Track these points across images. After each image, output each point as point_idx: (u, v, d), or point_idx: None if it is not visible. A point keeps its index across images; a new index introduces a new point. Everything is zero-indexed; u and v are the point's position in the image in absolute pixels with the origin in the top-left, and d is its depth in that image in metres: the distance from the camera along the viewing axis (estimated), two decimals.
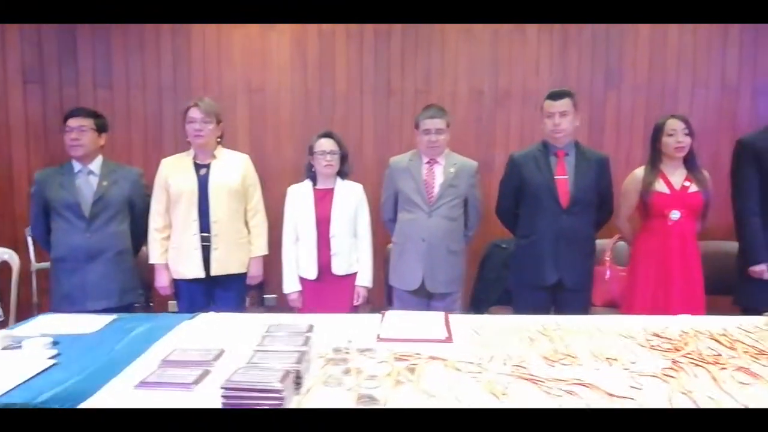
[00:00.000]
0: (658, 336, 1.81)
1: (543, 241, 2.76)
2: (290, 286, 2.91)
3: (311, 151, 2.88)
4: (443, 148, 2.82)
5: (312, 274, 2.86)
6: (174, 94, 3.82)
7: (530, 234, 2.81)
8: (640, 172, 2.83)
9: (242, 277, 2.86)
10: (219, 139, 2.89)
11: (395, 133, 4.00)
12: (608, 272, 3.33)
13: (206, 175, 2.77)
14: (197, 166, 2.81)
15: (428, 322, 1.97)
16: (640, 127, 3.91)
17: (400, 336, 1.81)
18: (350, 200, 2.89)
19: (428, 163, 2.85)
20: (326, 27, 3.90)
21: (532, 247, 2.79)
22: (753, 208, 2.71)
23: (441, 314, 2.08)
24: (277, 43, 3.89)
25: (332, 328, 1.88)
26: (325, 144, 2.85)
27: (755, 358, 1.61)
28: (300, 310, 2.90)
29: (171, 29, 3.82)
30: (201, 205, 2.74)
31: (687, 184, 2.74)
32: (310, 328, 1.70)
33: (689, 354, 1.63)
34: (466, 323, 1.96)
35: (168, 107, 3.84)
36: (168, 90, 3.83)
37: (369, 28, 3.92)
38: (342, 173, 2.94)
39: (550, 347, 1.71)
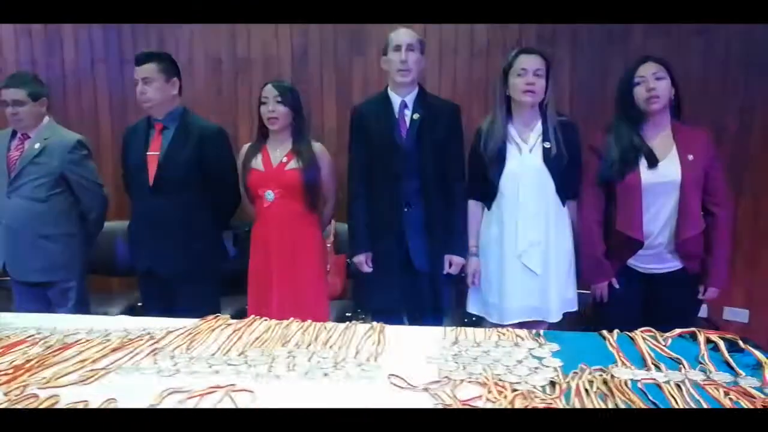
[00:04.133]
0: None
1: (135, 224, 2.45)
2: None
3: None
4: (27, 121, 2.50)
5: None
6: None
7: (130, 216, 2.50)
8: (246, 147, 2.45)
9: None
10: None
11: (131, 101, 3.69)
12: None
13: None
14: None
15: None
16: None
17: None
18: None
19: (20, 137, 2.55)
20: None
21: (129, 232, 2.49)
22: (357, 189, 2.29)
23: None
24: None
25: None
26: None
27: None
28: None
29: None
30: None
31: (285, 160, 2.35)
32: None
33: None
34: None
35: None
36: None
37: None
38: None
39: None
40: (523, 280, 2.14)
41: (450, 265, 2.24)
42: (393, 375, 1.26)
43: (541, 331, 1.55)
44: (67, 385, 1.22)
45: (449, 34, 3.33)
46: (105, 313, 2.80)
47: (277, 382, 1.26)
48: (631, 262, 2.13)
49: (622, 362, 1.33)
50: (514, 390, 1.18)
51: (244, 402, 1.15)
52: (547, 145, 2.11)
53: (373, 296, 2.31)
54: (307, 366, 1.33)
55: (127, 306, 2.95)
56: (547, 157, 2.11)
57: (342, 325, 1.62)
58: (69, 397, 1.16)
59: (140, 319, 1.75)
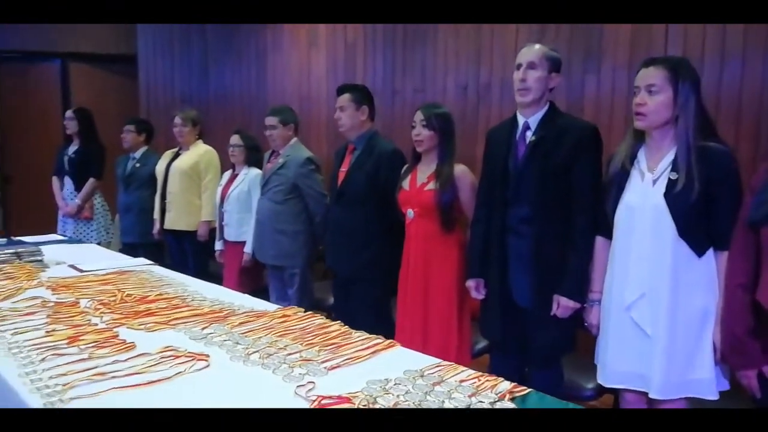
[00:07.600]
0: None
1: (328, 227, 2.97)
2: (216, 245, 3.85)
3: None
4: (278, 141, 3.26)
5: (220, 237, 3.76)
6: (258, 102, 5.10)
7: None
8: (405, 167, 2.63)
9: (194, 234, 3.98)
10: (197, 136, 4.06)
11: (397, 131, 4.23)
12: None
13: (172, 161, 4.00)
14: (176, 156, 4.06)
15: None
16: (621, 110, 3.08)
17: None
18: (245, 183, 3.62)
19: (275, 154, 3.34)
20: (350, 37, 4.48)
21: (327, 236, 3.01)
22: (477, 214, 2.21)
23: None
24: (316, 57, 4.71)
25: None
26: (232, 139, 3.67)
27: None
28: (223, 264, 3.81)
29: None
30: (165, 181, 3.99)
31: (426, 180, 2.44)
32: None
33: None
34: None
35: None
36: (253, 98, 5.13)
37: (379, 28, 4.28)
38: (249, 161, 3.67)
39: None
40: (631, 339, 1.73)
41: (558, 306, 1.97)
42: (301, 386, 1.35)
43: (524, 391, 1.32)
44: (138, 330, 1.74)
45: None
46: (322, 299, 3.45)
47: (237, 362, 1.51)
48: None
49: None
50: None
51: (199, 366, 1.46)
52: (674, 176, 1.65)
53: (480, 326, 2.22)
54: (273, 358, 1.52)
55: None
56: (670, 192, 1.66)
57: (363, 336, 1.70)
58: (124, 335, 1.67)
59: (262, 301, 2.17)
